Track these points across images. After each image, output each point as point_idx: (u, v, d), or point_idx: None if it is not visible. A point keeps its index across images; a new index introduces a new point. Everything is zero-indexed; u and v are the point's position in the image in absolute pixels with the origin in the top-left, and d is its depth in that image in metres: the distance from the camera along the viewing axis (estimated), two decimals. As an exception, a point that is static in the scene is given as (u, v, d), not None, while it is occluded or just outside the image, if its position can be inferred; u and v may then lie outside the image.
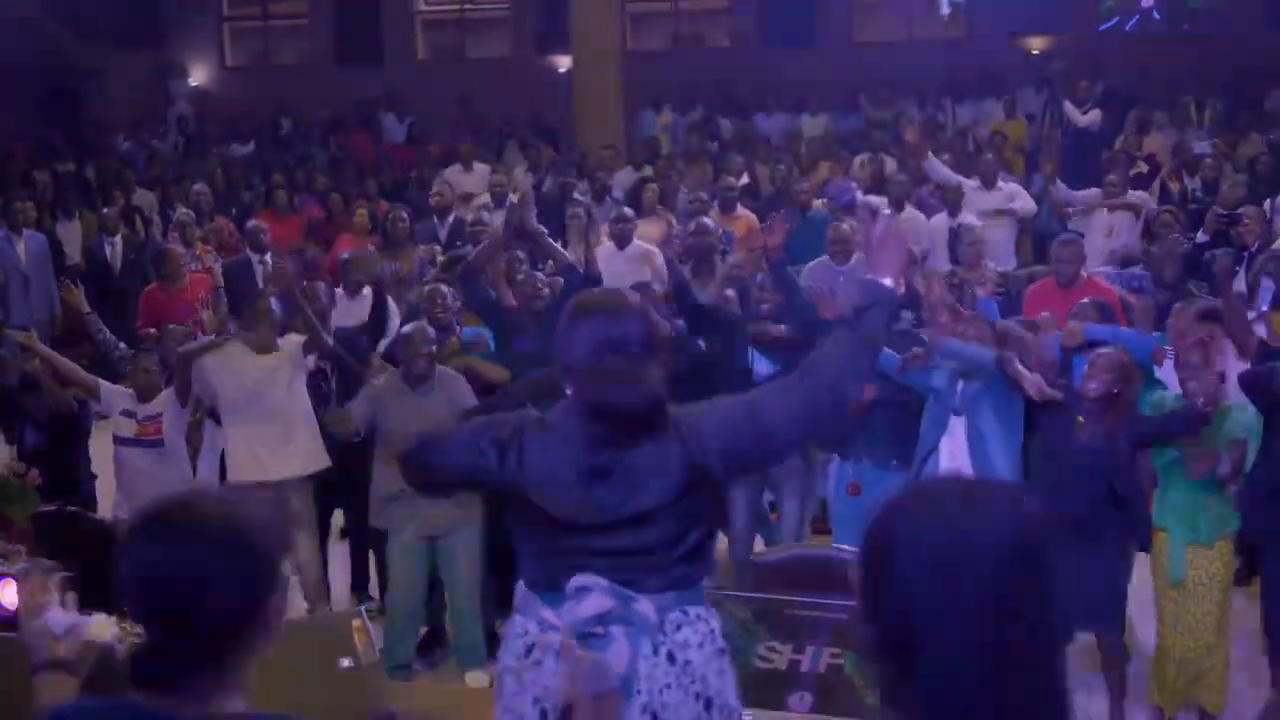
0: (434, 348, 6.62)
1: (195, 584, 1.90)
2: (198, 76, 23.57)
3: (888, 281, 3.25)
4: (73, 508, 6.29)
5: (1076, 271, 7.86)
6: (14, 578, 5.29)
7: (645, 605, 3.06)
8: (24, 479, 6.35)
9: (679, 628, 3.12)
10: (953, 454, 6.33)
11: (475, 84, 21.06)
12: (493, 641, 7.12)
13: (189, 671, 1.92)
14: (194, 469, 7.19)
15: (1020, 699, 1.61)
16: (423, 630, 7.13)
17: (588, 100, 16.06)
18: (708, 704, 3.14)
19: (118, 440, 7.07)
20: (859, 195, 3.78)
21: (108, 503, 7.51)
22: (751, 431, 3.13)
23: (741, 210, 11.58)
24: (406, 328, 6.82)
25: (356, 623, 4.20)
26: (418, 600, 6.78)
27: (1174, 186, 12.72)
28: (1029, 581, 1.62)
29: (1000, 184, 11.68)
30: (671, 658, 3.10)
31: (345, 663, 4.11)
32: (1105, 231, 10.75)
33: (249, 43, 24.33)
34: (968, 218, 10.79)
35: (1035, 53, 19.60)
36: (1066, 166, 12.82)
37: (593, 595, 3.02)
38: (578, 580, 3.03)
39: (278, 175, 14.56)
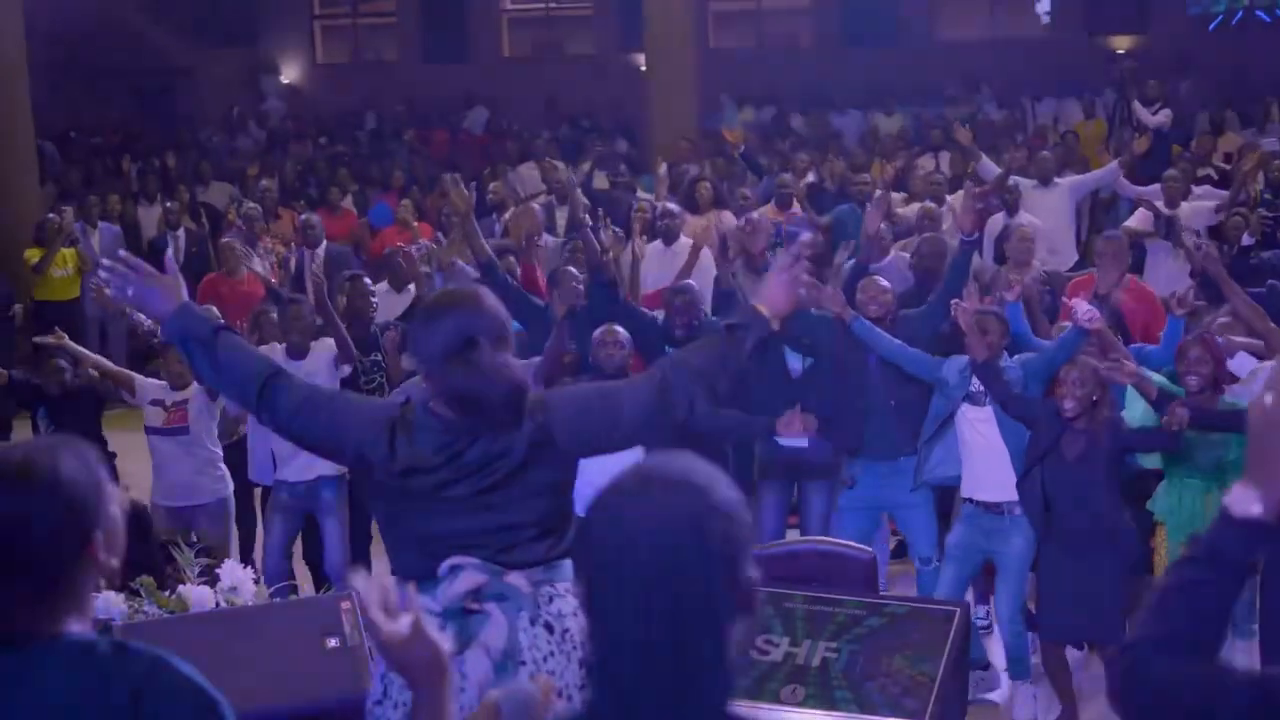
0: None
1: (19, 520, 2.04)
2: (289, 73, 24.04)
3: (767, 312, 3.44)
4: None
5: (1120, 270, 7.81)
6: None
7: (517, 577, 3.21)
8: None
9: (551, 600, 3.26)
10: (973, 449, 6.35)
11: (559, 81, 21.29)
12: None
13: (24, 601, 2.07)
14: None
15: (678, 680, 1.71)
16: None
17: (661, 97, 16.15)
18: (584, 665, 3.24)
19: (148, 430, 7.35)
20: (805, 235, 3.86)
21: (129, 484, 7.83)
22: (604, 417, 3.33)
23: (797, 207, 11.63)
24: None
25: (346, 605, 4.35)
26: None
27: (1253, 188, 12.52)
28: (690, 567, 1.71)
29: (1057, 180, 11.62)
30: (550, 628, 3.23)
31: (332, 643, 4.27)
32: (1162, 224, 10.62)
33: (339, 40, 24.76)
34: (1025, 218, 10.74)
35: (1119, 51, 19.39)
36: (1135, 166, 12.66)
37: (465, 572, 3.17)
38: (450, 561, 3.18)
39: (343, 171, 14.85)
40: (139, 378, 7.52)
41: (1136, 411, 6.23)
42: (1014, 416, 6.11)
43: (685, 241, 9.56)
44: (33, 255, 11.09)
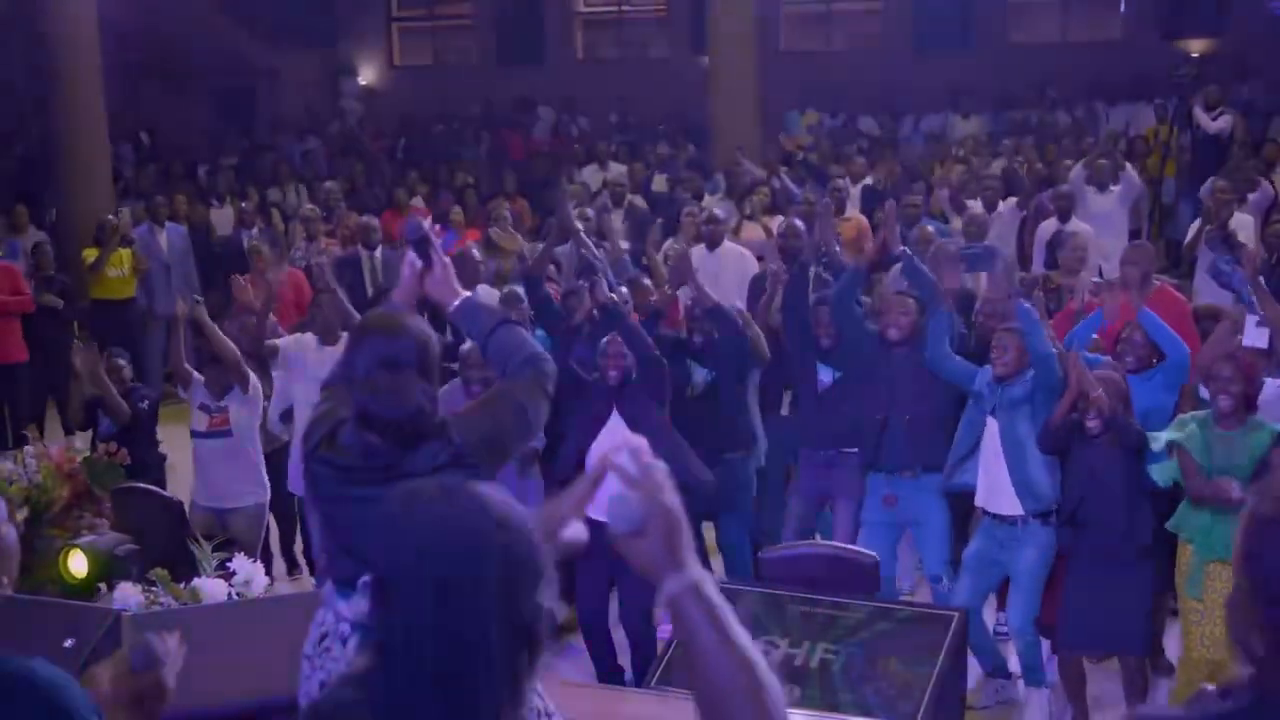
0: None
1: None
2: (367, 75, 24.37)
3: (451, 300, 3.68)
4: (146, 485, 6.75)
5: (1145, 276, 7.80)
6: (83, 550, 5.80)
7: None
8: (114, 456, 6.81)
9: None
10: (989, 460, 6.39)
11: (631, 83, 21.40)
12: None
13: None
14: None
15: (444, 683, 1.80)
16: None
17: (725, 101, 16.22)
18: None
19: (193, 433, 7.58)
20: (429, 230, 3.86)
21: (175, 481, 8.15)
22: (492, 426, 3.50)
23: (851, 212, 11.68)
24: (464, 347, 7.04)
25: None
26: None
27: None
28: (465, 582, 1.81)
29: (1113, 186, 11.58)
30: None
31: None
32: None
33: (416, 42, 25.07)
34: (1079, 225, 10.71)
35: (1194, 54, 19.14)
36: (1193, 172, 12.60)
37: None
38: (367, 576, 3.31)
39: (412, 173, 15.08)
40: (195, 375, 7.73)
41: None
42: (1045, 452, 6.17)
43: (730, 247, 9.67)
44: (89, 255, 11.40)
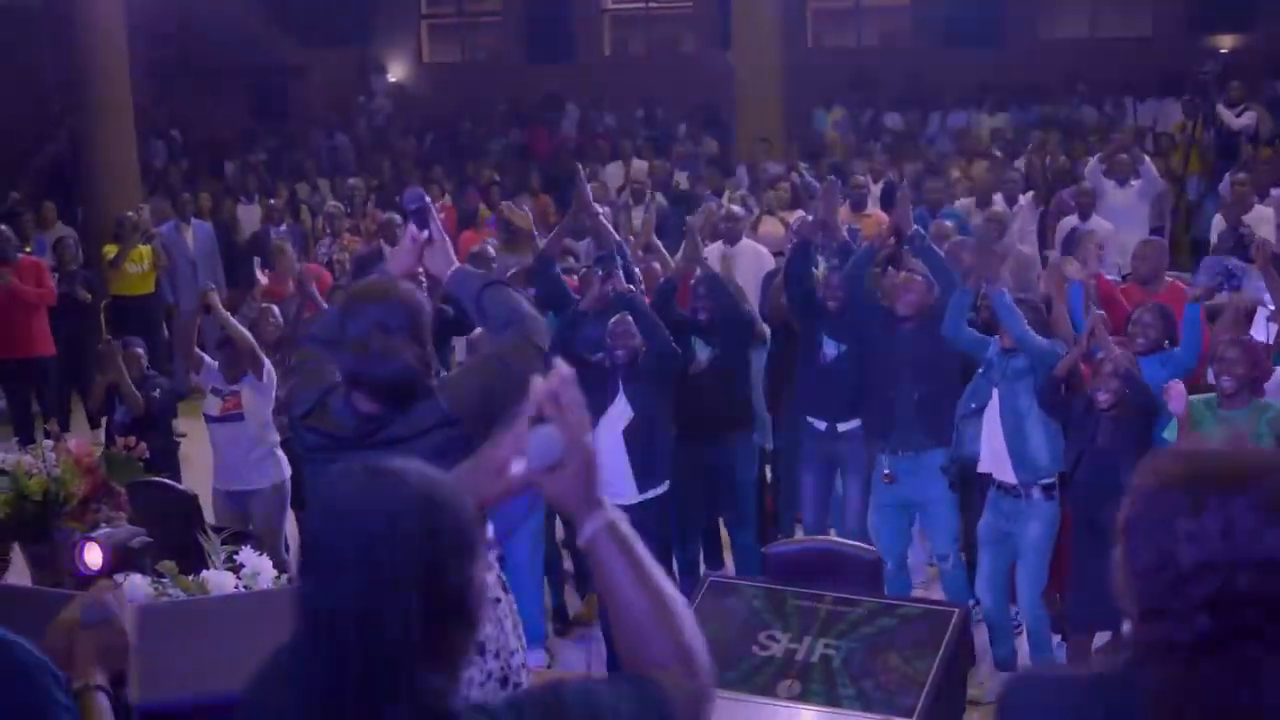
0: None
1: None
2: (396, 72, 24.49)
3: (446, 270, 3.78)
4: (162, 479, 6.84)
5: (1155, 271, 7.81)
6: (99, 542, 5.88)
7: None
8: (132, 450, 6.90)
9: None
10: (993, 428, 6.45)
11: (659, 79, 21.43)
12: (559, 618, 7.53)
13: None
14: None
15: (362, 660, 1.83)
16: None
17: (748, 97, 16.25)
18: (479, 648, 3.37)
19: (206, 418, 7.67)
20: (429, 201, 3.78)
21: (191, 471, 8.29)
22: (478, 388, 3.56)
23: (872, 208, 11.72)
24: (475, 331, 7.08)
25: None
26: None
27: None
28: (384, 555, 1.84)
29: (1133, 181, 11.56)
30: None
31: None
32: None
33: (446, 40, 25.18)
34: (1100, 223, 10.70)
35: (1222, 50, 19.05)
36: (1216, 169, 12.56)
37: None
38: None
39: (437, 169, 15.17)
40: (206, 360, 7.81)
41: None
42: (1045, 408, 6.22)
43: (747, 243, 9.70)
44: (109, 251, 11.53)
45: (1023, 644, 6.75)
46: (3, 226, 11.26)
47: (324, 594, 1.86)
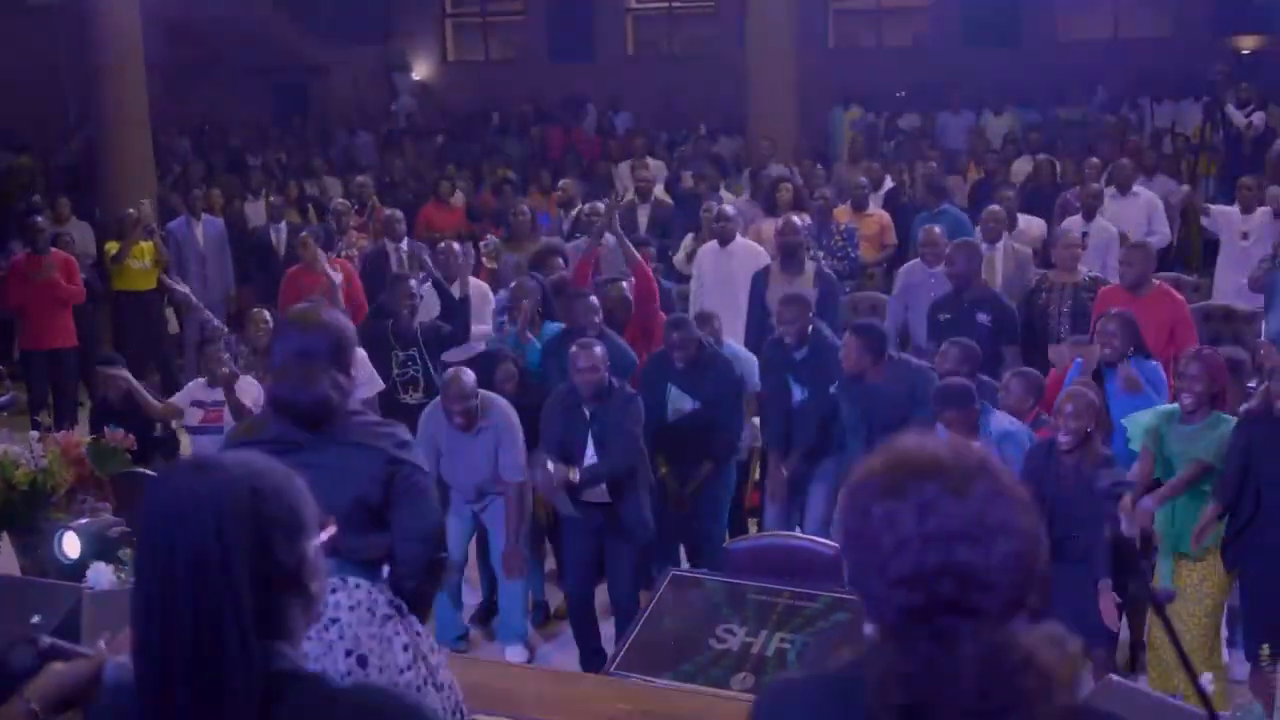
0: (473, 400, 6.81)
1: None
2: (420, 71, 24.62)
3: None
4: (147, 471, 6.95)
5: (1141, 276, 7.82)
6: (76, 531, 6.00)
7: None
8: (120, 442, 7.01)
9: (333, 590, 3.48)
10: None
11: (680, 78, 21.49)
12: (541, 614, 7.61)
13: None
14: None
15: (197, 646, 1.94)
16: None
17: (762, 97, 16.29)
18: (361, 661, 3.48)
19: (187, 429, 7.80)
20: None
21: None
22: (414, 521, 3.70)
23: (874, 209, 11.75)
24: (448, 372, 7.07)
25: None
26: (460, 562, 7.24)
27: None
28: (211, 544, 1.96)
29: (1136, 190, 11.51)
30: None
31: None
32: (1239, 236, 10.51)
33: (469, 38, 25.32)
34: (1101, 224, 10.67)
35: (1244, 51, 18.98)
36: (1227, 170, 12.51)
37: None
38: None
39: (451, 167, 15.28)
40: (177, 397, 7.91)
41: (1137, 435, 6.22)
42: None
43: (742, 242, 9.73)
44: (112, 247, 11.64)
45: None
46: (38, 218, 11.44)
47: (153, 587, 1.97)
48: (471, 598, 7.66)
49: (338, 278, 9.36)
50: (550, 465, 6.43)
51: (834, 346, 7.29)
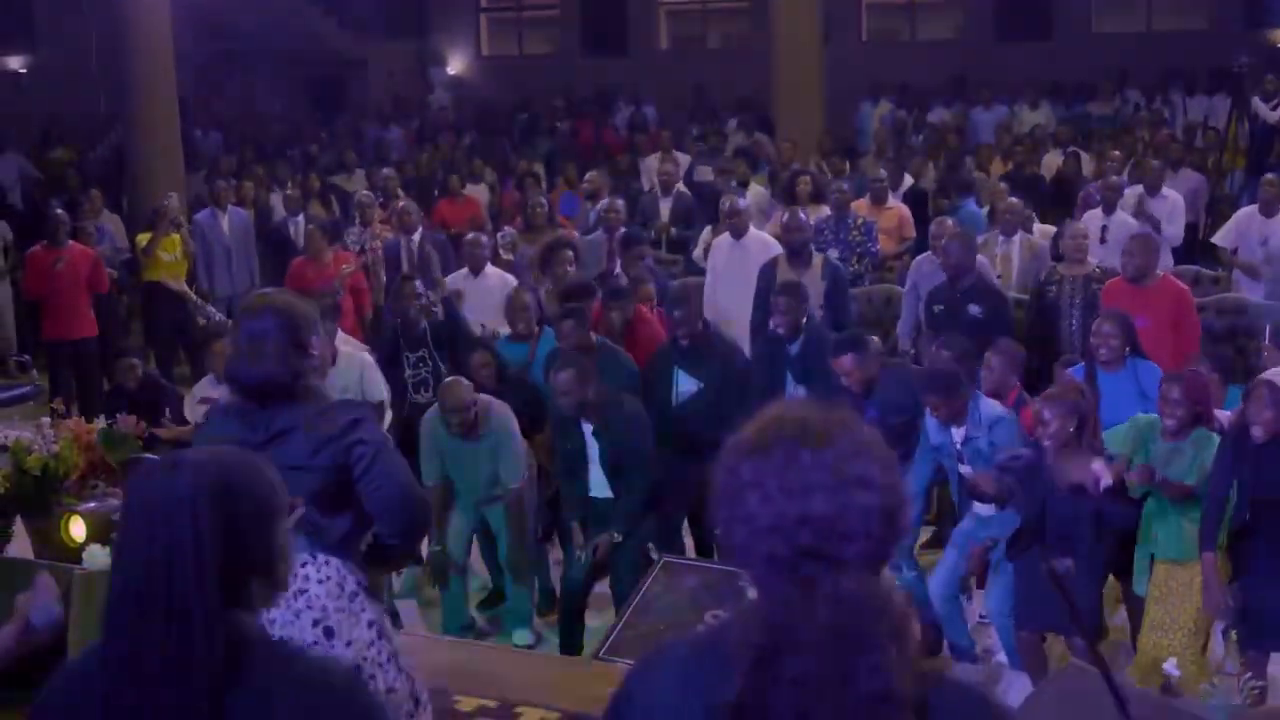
0: (469, 410, 6.87)
1: None
2: (455, 65, 24.74)
3: None
4: (156, 458, 7.05)
5: (1145, 267, 7.80)
6: (81, 515, 6.10)
7: None
8: (132, 429, 7.12)
9: (303, 565, 3.61)
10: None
11: (713, 72, 21.50)
12: (548, 601, 7.66)
13: None
14: None
15: (167, 628, 2.10)
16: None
17: (788, 91, 16.29)
18: (328, 632, 3.60)
19: (197, 426, 7.87)
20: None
21: None
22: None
23: (893, 202, 11.75)
24: (443, 383, 7.15)
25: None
26: (462, 557, 7.31)
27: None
28: (182, 535, 2.12)
29: (1165, 192, 11.44)
30: None
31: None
32: (1258, 235, 10.44)
33: (504, 33, 25.43)
34: (1121, 217, 10.63)
35: (1278, 46, 18.83)
36: (1250, 164, 12.43)
37: None
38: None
39: (477, 161, 15.37)
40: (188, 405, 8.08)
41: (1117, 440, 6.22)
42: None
43: (755, 235, 9.74)
44: (142, 239, 11.81)
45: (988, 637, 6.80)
46: (59, 210, 11.61)
47: (137, 560, 2.14)
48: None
49: (346, 269, 9.46)
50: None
51: (828, 340, 7.29)
